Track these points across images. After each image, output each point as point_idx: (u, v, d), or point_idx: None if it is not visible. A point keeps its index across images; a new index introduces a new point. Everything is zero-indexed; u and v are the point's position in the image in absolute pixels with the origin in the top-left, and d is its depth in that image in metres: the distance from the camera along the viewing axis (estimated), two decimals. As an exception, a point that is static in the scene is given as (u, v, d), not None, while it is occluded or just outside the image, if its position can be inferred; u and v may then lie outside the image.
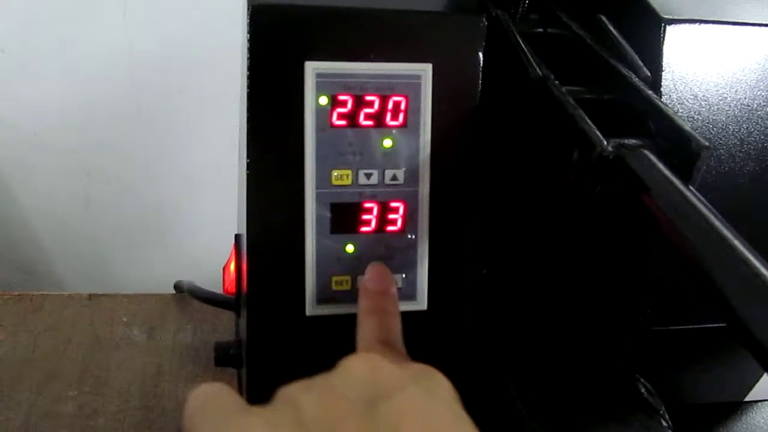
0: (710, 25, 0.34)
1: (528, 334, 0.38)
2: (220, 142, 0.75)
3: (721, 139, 0.35)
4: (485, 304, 0.36)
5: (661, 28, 0.34)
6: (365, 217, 0.33)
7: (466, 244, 0.35)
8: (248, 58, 0.31)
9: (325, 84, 0.32)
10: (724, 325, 0.22)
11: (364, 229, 0.33)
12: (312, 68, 0.31)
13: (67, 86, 0.80)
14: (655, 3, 0.34)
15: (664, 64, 0.34)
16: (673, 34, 0.34)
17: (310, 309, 0.33)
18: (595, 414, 0.36)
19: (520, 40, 0.33)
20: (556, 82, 0.31)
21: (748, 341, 0.21)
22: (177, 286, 0.72)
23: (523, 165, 0.35)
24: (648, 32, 0.34)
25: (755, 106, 0.35)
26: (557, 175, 0.31)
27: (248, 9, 0.31)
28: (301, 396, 0.22)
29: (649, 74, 0.33)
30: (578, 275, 0.37)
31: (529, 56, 0.32)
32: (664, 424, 0.35)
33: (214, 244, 0.72)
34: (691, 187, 0.26)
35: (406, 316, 0.34)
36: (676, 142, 0.28)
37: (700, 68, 0.34)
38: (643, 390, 0.37)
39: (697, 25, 0.34)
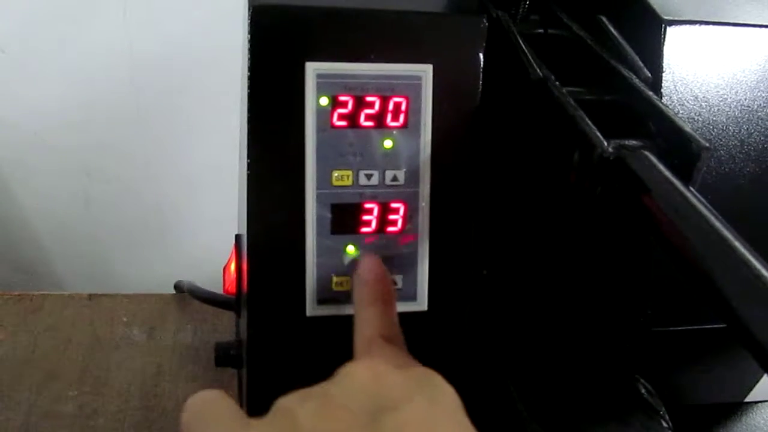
0: (711, 27, 0.34)
1: (528, 335, 0.38)
2: (220, 142, 0.75)
3: (721, 140, 0.35)
4: (485, 304, 0.36)
5: (661, 29, 0.34)
6: (366, 217, 0.33)
7: (467, 244, 0.35)
8: (249, 59, 0.31)
9: (325, 84, 0.32)
10: (724, 326, 0.22)
11: (364, 229, 0.33)
12: (312, 69, 0.31)
13: (67, 86, 0.80)
14: (656, 4, 0.34)
15: (664, 65, 0.34)
16: (673, 35, 0.34)
17: (311, 309, 0.33)
18: (595, 414, 0.36)
19: (521, 41, 0.33)
20: (557, 83, 0.31)
21: (749, 342, 0.21)
22: (177, 286, 0.72)
23: (524, 166, 0.35)
24: (648, 33, 0.34)
25: (756, 107, 0.35)
26: (558, 176, 0.31)
27: (249, 9, 0.31)
28: (299, 407, 0.22)
29: (649, 75, 0.33)
30: (579, 276, 0.37)
31: (530, 57, 0.32)
32: (664, 424, 0.35)
33: (214, 244, 0.72)
34: (691, 188, 0.26)
35: (406, 316, 0.34)
36: (677, 143, 0.28)
37: (701, 69, 0.34)
38: (643, 390, 0.37)
39: (697, 26, 0.34)
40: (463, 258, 0.35)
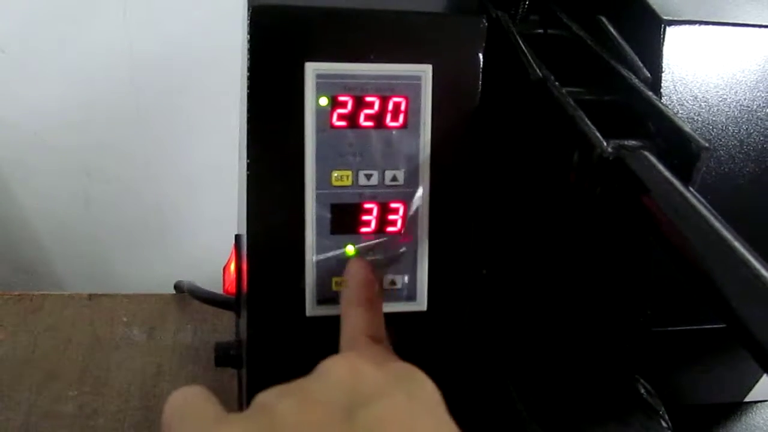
0: (710, 27, 0.34)
1: (528, 335, 0.38)
2: (220, 142, 0.75)
3: (720, 140, 0.35)
4: (485, 304, 0.36)
5: (661, 30, 0.34)
6: (365, 217, 0.33)
7: (466, 244, 0.35)
8: (248, 59, 0.31)
9: (325, 85, 0.32)
10: (723, 326, 0.22)
11: (364, 229, 0.33)
12: (312, 69, 0.31)
13: (67, 86, 0.80)
14: (655, 4, 0.34)
15: (664, 65, 0.34)
16: (673, 36, 0.34)
17: (310, 309, 0.33)
18: (595, 414, 0.36)
19: (521, 41, 0.33)
20: (556, 83, 0.31)
21: (748, 342, 0.21)
22: (177, 286, 0.72)
23: (524, 166, 0.35)
24: (648, 33, 0.34)
25: (755, 107, 0.35)
26: (557, 176, 0.31)
27: (248, 9, 0.31)
28: (277, 402, 0.22)
29: (649, 75, 0.33)
30: (578, 276, 0.37)
31: (530, 57, 0.32)
32: (664, 424, 0.35)
33: (214, 244, 0.72)
34: (691, 188, 0.26)
35: (405, 316, 0.34)
36: (676, 143, 0.28)
37: (700, 69, 0.34)
38: (642, 390, 0.37)
39: (697, 26, 0.34)
40: (462, 258, 0.35)
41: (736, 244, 0.23)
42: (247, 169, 0.32)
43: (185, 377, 0.64)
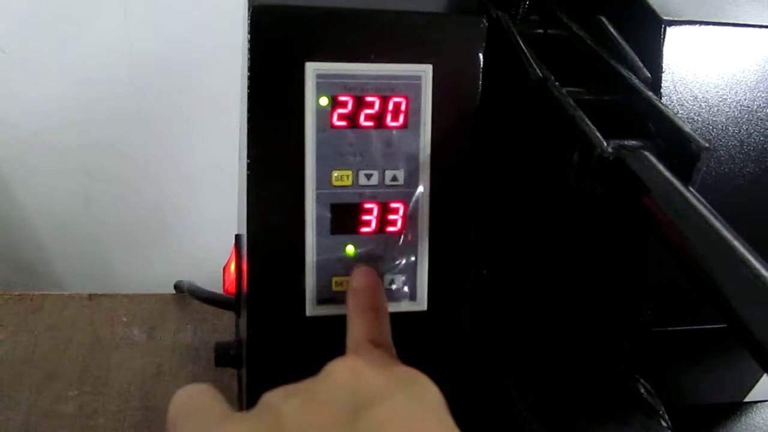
0: (710, 27, 0.34)
1: (528, 335, 0.38)
2: (220, 142, 0.75)
3: (721, 141, 0.35)
4: (485, 304, 0.36)
5: (661, 30, 0.34)
6: (365, 217, 0.33)
7: (466, 244, 0.35)
8: (248, 59, 0.31)
9: (325, 85, 0.32)
10: (724, 325, 0.22)
11: (364, 229, 0.33)
12: (312, 69, 0.31)
13: (67, 86, 0.80)
14: (655, 4, 0.34)
15: (664, 65, 0.34)
16: (673, 36, 0.34)
17: (311, 309, 0.33)
18: (595, 414, 0.36)
19: (521, 41, 0.33)
20: (557, 83, 0.31)
21: (748, 342, 0.21)
22: (177, 286, 0.72)
23: (524, 166, 0.35)
24: (648, 33, 0.34)
25: (755, 107, 0.35)
26: (557, 176, 0.31)
27: (249, 9, 0.31)
28: (283, 402, 0.22)
29: (649, 75, 0.33)
30: (578, 276, 0.37)
31: (530, 57, 0.32)
32: (664, 424, 0.35)
33: (214, 244, 0.72)
34: (691, 188, 0.26)
35: (406, 316, 0.34)
36: (676, 143, 0.28)
37: (700, 69, 0.34)
38: (642, 390, 0.37)
39: (697, 26, 0.34)
40: (462, 258, 0.35)
41: (736, 244, 0.23)
42: (247, 169, 0.32)
43: (185, 377, 0.64)
